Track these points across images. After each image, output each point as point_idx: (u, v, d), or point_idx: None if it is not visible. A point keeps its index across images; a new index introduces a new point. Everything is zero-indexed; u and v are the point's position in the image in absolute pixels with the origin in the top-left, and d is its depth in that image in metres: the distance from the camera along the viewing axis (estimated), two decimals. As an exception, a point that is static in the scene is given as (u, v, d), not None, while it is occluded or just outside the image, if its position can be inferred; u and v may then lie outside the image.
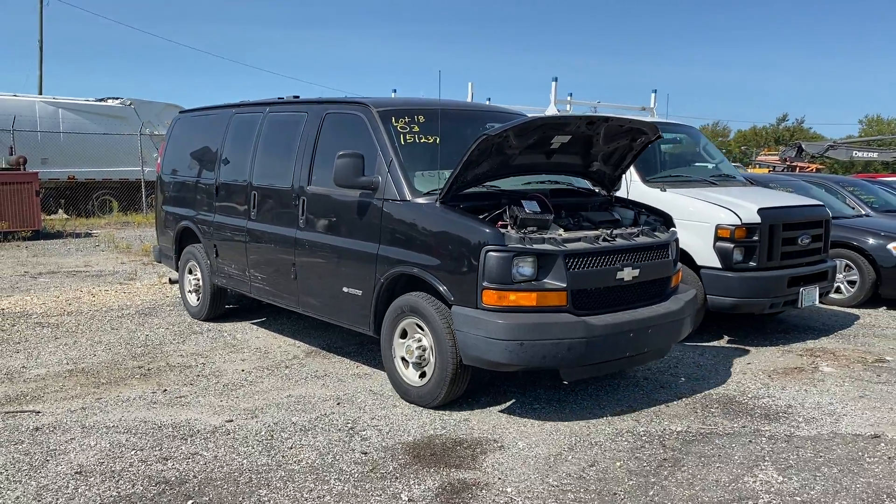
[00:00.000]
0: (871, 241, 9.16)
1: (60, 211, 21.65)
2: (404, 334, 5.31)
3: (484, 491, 3.92)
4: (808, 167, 25.06)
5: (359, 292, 5.60)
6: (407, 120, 5.61)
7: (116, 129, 21.79)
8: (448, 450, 4.48)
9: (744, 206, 7.03)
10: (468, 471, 4.18)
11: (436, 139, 5.55)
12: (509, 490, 3.93)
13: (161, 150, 8.67)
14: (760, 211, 7.03)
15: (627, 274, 5.04)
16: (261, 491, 3.90)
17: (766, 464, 4.31)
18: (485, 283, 4.66)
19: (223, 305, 7.91)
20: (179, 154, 8.28)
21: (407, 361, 5.27)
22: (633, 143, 5.68)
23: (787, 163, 25.61)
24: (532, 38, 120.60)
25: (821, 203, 8.27)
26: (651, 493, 3.92)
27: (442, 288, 4.91)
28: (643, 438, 4.71)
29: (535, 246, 4.70)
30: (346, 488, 3.93)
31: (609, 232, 5.09)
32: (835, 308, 9.13)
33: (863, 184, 13.01)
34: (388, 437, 4.69)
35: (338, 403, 5.32)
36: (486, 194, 5.31)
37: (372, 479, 4.06)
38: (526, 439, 4.66)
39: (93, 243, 14.90)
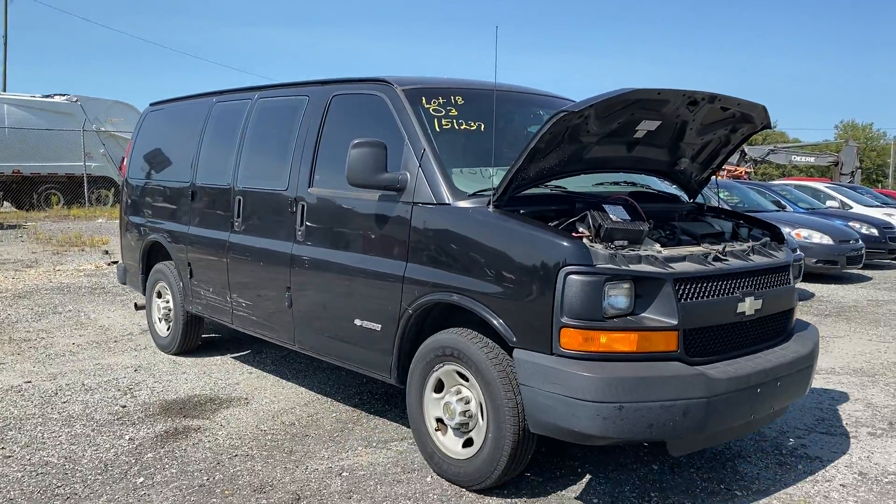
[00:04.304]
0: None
1: (6, 203, 22.44)
2: (440, 386, 4.06)
3: (198, 434, 4.70)
4: (737, 170, 26.06)
5: (377, 326, 4.38)
6: (441, 101, 4.49)
7: (63, 125, 22.49)
8: (197, 405, 5.25)
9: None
10: (198, 420, 4.95)
11: (479, 126, 4.44)
12: (220, 433, 4.71)
13: (128, 149, 7.63)
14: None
15: (749, 306, 3.80)
16: (10, 432, 4.66)
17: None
18: (564, 319, 3.42)
19: (198, 336, 6.66)
20: (149, 153, 7.11)
21: (445, 425, 4.04)
22: (731, 134, 4.53)
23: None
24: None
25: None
26: (337, 436, 4.71)
27: (498, 322, 3.68)
28: (393, 399, 5.52)
29: (633, 267, 3.48)
30: (84, 431, 4.70)
31: (721, 248, 3.88)
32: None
33: (735, 186, 13.95)
34: (157, 395, 5.46)
35: (135, 370, 6.08)
36: (551, 196, 4.16)
37: (112, 425, 4.83)
38: (273, 398, 5.42)
39: (16, 234, 15.61)
